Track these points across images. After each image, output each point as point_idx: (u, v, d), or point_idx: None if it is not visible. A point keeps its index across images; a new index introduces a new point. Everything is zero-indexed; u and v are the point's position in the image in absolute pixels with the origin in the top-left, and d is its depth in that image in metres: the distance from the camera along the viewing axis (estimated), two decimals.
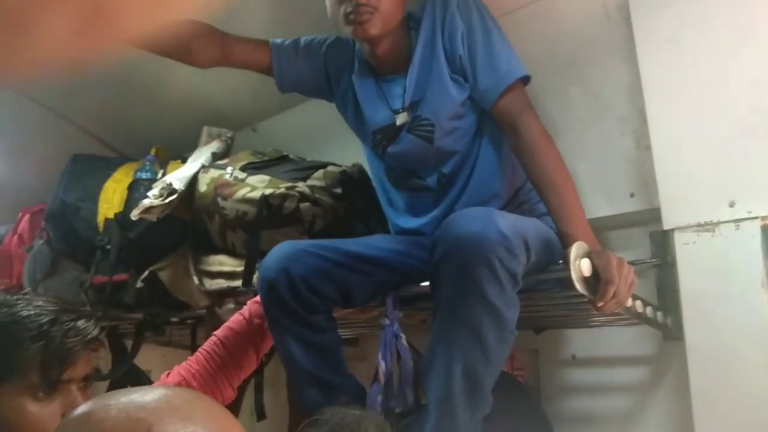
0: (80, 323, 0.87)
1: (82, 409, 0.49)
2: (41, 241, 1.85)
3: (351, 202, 1.46)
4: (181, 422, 0.46)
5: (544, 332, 1.46)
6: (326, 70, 1.26)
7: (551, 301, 1.16)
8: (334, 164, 1.52)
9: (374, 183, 1.36)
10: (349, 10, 1.07)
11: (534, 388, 1.47)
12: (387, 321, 1.14)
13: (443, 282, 0.89)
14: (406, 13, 1.17)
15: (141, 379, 1.81)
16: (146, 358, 1.88)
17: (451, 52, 1.13)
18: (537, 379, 1.47)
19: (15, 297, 0.90)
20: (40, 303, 0.88)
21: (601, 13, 1.26)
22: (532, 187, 1.19)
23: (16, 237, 2.18)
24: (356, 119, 1.25)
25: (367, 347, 1.82)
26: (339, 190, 1.45)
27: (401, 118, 1.17)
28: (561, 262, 0.98)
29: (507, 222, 0.87)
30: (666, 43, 1.18)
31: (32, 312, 0.85)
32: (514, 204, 1.20)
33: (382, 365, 1.09)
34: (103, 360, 2.01)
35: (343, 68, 1.25)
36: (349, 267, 1.13)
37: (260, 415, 1.49)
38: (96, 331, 0.90)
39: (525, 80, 1.15)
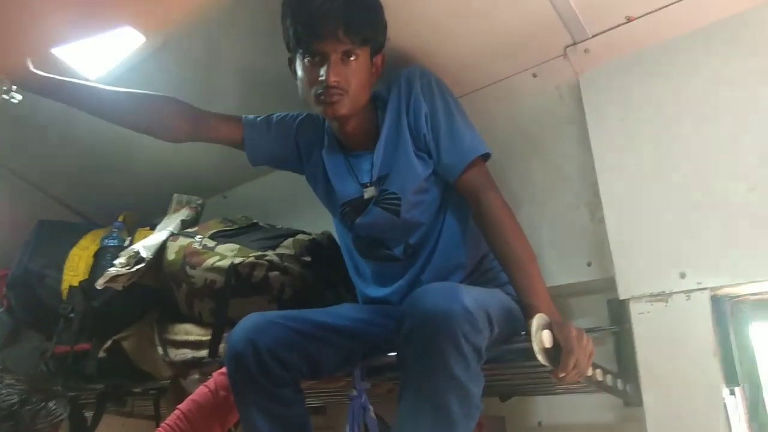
0: (50, 405, 0.87)
1: None
2: (1, 309, 1.81)
3: (320, 270, 1.48)
4: None
5: (510, 399, 1.47)
6: (297, 145, 1.31)
7: (516, 371, 1.19)
8: (303, 232, 1.55)
9: (343, 252, 1.39)
10: (319, 91, 1.13)
11: None
12: (355, 392, 1.14)
13: (410, 357, 0.91)
14: (373, 93, 1.23)
15: None
16: (107, 429, 1.82)
17: (416, 131, 1.19)
18: None
19: None
20: (11, 382, 0.88)
21: (555, 93, 1.35)
22: None
23: None
24: (326, 192, 1.29)
25: (335, 416, 1.80)
26: (308, 258, 1.47)
27: (369, 192, 1.22)
28: (524, 333, 1.01)
29: (471, 297, 0.91)
30: (615, 122, 1.26)
31: (2, 392, 0.85)
32: (478, 272, 1.24)
33: None
34: (63, 431, 1.93)
35: (314, 144, 1.30)
36: (317, 338, 1.14)
37: None
38: (65, 413, 0.90)
39: (486, 157, 1.21)
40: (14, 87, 1.12)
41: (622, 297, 1.20)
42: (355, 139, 1.24)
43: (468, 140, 1.19)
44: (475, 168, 1.18)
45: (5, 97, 1.15)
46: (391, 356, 1.15)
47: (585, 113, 1.30)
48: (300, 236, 1.52)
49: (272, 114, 1.33)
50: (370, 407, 1.13)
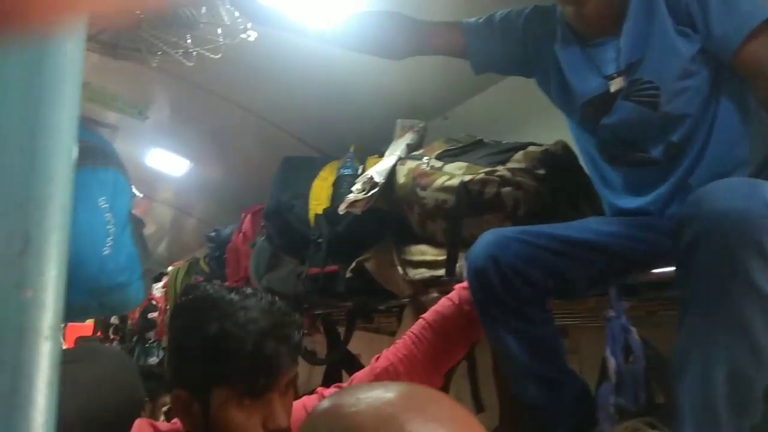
0: (290, 340, 0.89)
1: (330, 401, 0.50)
2: (262, 238, 2.06)
3: (556, 184, 1.35)
4: (431, 423, 0.45)
5: None
6: (525, 44, 1.18)
7: None
8: (534, 144, 1.43)
9: (583, 161, 1.24)
10: None
11: None
12: (612, 313, 1.02)
13: (698, 269, 0.76)
14: None
15: (354, 363, 1.91)
16: (355, 343, 1.98)
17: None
18: None
19: (235, 300, 0.89)
20: (255, 315, 0.87)
21: None
22: None
23: (241, 235, 2.48)
24: (561, 92, 1.14)
25: (577, 339, 1.69)
26: (542, 172, 1.35)
27: (616, 84, 1.04)
28: None
29: None
30: None
31: (247, 323, 0.86)
32: (766, 173, 1.00)
33: (613, 362, 0.98)
34: (319, 344, 2.17)
35: (544, 39, 1.15)
36: (564, 254, 1.04)
37: (479, 406, 1.45)
38: (300, 340, 0.91)
39: None
40: (249, 24, 1.18)
41: None
42: (596, 24, 1.05)
43: (747, 1, 0.94)
44: (759, 37, 0.93)
45: (243, 36, 1.22)
46: (655, 273, 1.00)
47: None
48: (531, 148, 1.40)
49: (494, 13, 1.21)
50: (633, 328, 1.00)
